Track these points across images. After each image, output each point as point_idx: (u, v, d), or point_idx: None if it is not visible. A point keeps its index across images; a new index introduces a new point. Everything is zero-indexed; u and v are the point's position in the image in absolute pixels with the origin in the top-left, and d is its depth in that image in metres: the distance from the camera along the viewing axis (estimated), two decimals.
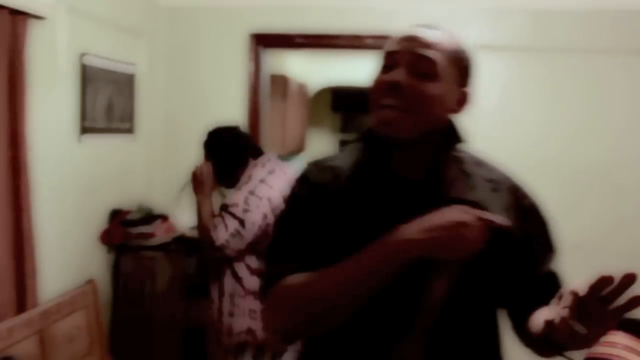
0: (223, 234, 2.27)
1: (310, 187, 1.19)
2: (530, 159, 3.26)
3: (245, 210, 2.30)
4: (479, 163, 1.22)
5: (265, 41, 3.58)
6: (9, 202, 2.37)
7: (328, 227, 1.12)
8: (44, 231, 2.57)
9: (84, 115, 2.87)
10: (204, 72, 3.64)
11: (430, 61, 1.08)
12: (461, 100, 1.16)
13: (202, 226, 2.41)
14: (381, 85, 1.10)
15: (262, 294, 1.15)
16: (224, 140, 2.50)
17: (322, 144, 7.30)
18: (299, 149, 5.96)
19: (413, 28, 1.13)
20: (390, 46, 1.13)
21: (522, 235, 1.13)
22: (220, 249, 2.28)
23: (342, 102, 7.09)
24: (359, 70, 5.27)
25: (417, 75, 1.08)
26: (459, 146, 1.21)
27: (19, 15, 2.34)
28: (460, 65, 1.15)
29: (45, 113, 2.59)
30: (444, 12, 3.38)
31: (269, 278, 1.14)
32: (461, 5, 3.39)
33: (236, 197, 2.36)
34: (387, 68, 1.12)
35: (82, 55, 2.84)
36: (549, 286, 1.17)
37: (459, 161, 1.19)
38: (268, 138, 4.70)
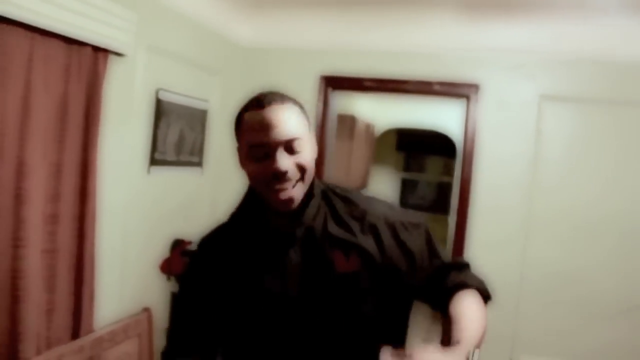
0: None
1: (198, 267, 1.25)
2: (592, 212, 2.94)
3: None
4: (346, 199, 1.24)
5: (334, 83, 3.42)
6: (74, 228, 2.26)
7: (223, 297, 1.17)
8: (106, 258, 2.44)
9: (154, 148, 2.77)
10: None
11: (298, 139, 1.11)
12: (315, 146, 1.19)
13: None
14: (268, 175, 1.10)
15: None
16: None
17: (384, 181, 7.03)
18: (362, 185, 5.68)
19: (265, 112, 1.11)
20: (254, 138, 1.11)
21: (408, 264, 1.18)
22: None
23: (406, 142, 6.88)
24: (424, 114, 5.11)
25: (291, 152, 1.11)
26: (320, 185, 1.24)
27: (100, 52, 2.29)
28: (306, 118, 1.18)
29: (118, 144, 2.49)
30: (512, 62, 3.09)
31: None
32: (531, 56, 3.07)
33: None
34: (260, 154, 1.11)
35: (158, 90, 2.75)
36: (449, 272, 1.21)
37: (327, 199, 1.24)
38: (332, 174, 4.53)
